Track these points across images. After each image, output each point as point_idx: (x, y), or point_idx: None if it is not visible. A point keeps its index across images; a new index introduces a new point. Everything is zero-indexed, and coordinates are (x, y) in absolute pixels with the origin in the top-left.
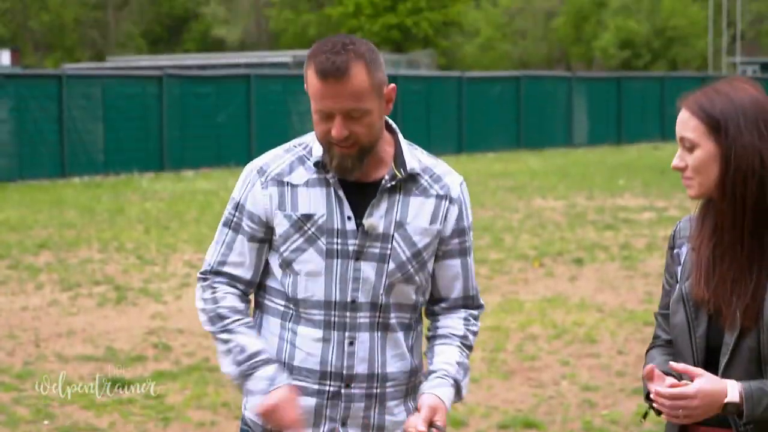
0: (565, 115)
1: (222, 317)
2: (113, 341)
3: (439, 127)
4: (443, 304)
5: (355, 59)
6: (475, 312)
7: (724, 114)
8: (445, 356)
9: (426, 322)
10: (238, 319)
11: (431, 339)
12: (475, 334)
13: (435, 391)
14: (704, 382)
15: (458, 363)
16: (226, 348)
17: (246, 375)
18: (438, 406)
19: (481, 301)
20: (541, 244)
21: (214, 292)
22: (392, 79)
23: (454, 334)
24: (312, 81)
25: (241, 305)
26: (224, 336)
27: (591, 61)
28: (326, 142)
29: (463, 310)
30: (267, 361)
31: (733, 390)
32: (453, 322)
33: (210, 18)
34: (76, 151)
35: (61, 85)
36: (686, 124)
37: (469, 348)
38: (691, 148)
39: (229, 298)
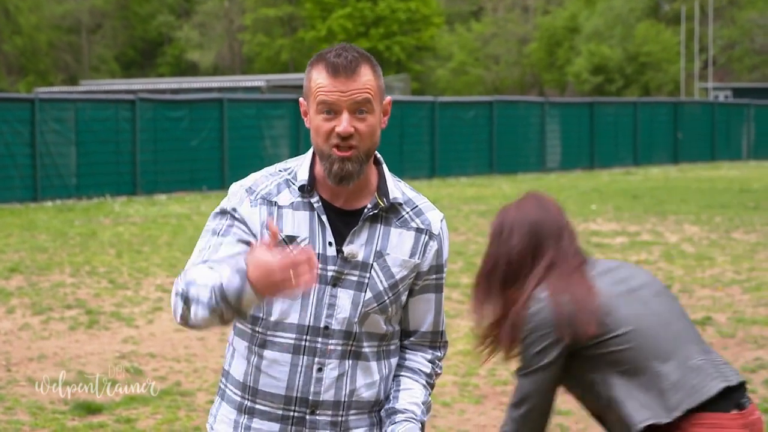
0: (538, 140)
1: (190, 282)
2: (84, 365)
3: (412, 152)
4: (413, 338)
5: (364, 60)
6: (440, 354)
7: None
8: (413, 395)
9: None
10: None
11: (397, 368)
12: (437, 376)
13: None
14: None
15: (424, 403)
16: (195, 300)
17: (220, 290)
18: None
19: (446, 338)
20: None
21: (186, 276)
22: None
23: (422, 371)
24: (320, 79)
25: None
26: (184, 291)
27: (564, 87)
28: (328, 146)
29: (430, 350)
30: (214, 268)
31: None
32: (421, 360)
33: (183, 42)
34: (48, 175)
35: (33, 109)
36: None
37: (432, 387)
38: None
39: (200, 268)
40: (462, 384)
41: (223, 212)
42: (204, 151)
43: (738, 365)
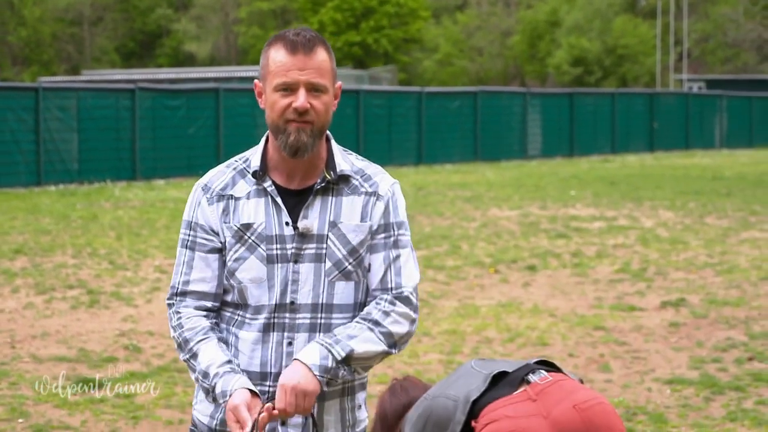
0: (520, 128)
1: (187, 341)
2: (86, 343)
3: (399, 140)
4: (369, 297)
5: (320, 41)
6: (395, 307)
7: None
8: (346, 328)
9: None
10: (201, 339)
11: None
12: (387, 314)
13: (298, 355)
14: None
15: (348, 334)
16: (195, 375)
17: (212, 394)
18: (284, 384)
19: (409, 297)
20: (497, 251)
21: (179, 318)
22: (355, 93)
23: (368, 318)
24: (278, 57)
25: (204, 322)
26: (192, 362)
27: (545, 78)
28: (283, 120)
29: (384, 302)
30: (217, 375)
31: None
32: (371, 308)
33: (181, 34)
34: (51, 161)
35: (37, 98)
36: None
37: (385, 336)
38: None
39: (192, 320)
40: (447, 362)
41: (187, 223)
42: (200, 139)
43: (710, 345)
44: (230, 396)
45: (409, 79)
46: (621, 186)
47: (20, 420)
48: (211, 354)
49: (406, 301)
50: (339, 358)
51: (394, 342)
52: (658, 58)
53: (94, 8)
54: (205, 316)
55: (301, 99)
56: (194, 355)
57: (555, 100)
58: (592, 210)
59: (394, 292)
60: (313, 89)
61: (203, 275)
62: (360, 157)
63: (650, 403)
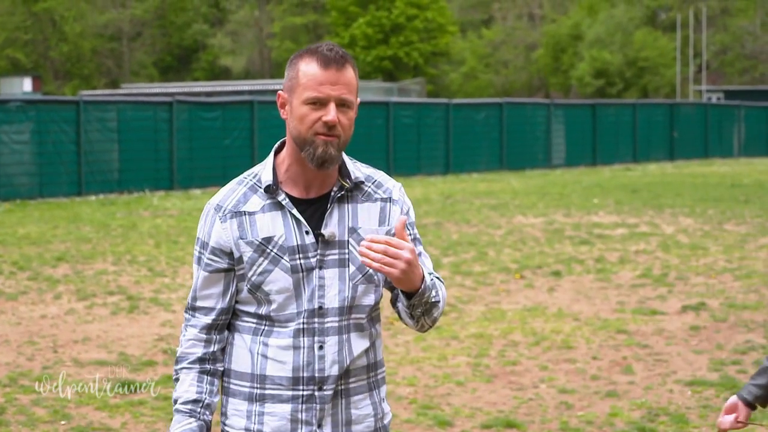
0: (544, 138)
1: (178, 360)
2: (125, 347)
3: (428, 150)
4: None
5: (349, 58)
6: (433, 276)
7: None
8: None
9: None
10: (185, 368)
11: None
12: (438, 278)
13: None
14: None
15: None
16: (175, 387)
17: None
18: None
19: (435, 273)
20: (522, 257)
21: (183, 336)
22: (385, 105)
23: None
24: (309, 71)
25: (198, 351)
26: (174, 378)
27: (568, 90)
28: (312, 133)
29: None
30: (176, 411)
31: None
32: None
33: (217, 49)
34: (92, 171)
35: (78, 111)
36: None
37: (439, 280)
38: None
39: (190, 343)
40: (474, 364)
41: (199, 240)
42: (236, 149)
43: (730, 347)
44: None
45: (437, 91)
46: (642, 194)
47: (63, 422)
48: (185, 386)
49: (441, 280)
50: (428, 283)
51: (441, 307)
52: (678, 70)
53: (132, 24)
54: (206, 341)
55: (332, 114)
56: (177, 379)
57: (578, 111)
58: (614, 217)
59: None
60: (343, 105)
61: (209, 292)
62: (364, 165)
63: (672, 404)
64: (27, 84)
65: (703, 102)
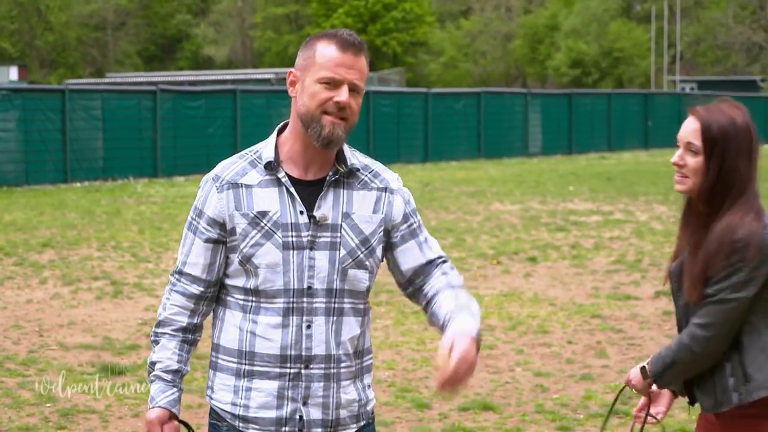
0: (521, 127)
1: (161, 324)
2: (110, 331)
3: (407, 139)
4: (418, 280)
5: (365, 47)
6: (442, 265)
7: (723, 135)
8: (450, 301)
9: (394, 305)
10: (168, 333)
11: (428, 304)
12: (456, 276)
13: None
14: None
15: (467, 300)
16: (152, 351)
17: (150, 381)
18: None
19: (443, 255)
20: (499, 244)
21: (168, 300)
22: (366, 94)
23: (450, 286)
24: (327, 52)
25: (183, 320)
26: (154, 340)
27: (545, 79)
28: (320, 111)
29: (435, 271)
30: (158, 377)
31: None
32: (436, 281)
33: (200, 38)
34: (77, 159)
35: (64, 99)
36: (695, 133)
37: (463, 288)
38: (695, 153)
39: (176, 310)
40: None
41: (195, 208)
42: (219, 138)
43: None
44: (153, 408)
45: (416, 81)
46: (617, 182)
47: (48, 405)
48: (167, 353)
49: (447, 258)
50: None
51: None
52: (653, 60)
53: (117, 14)
54: (192, 311)
55: (344, 95)
56: (156, 342)
57: (554, 100)
58: (589, 204)
59: (440, 260)
60: (354, 89)
61: (198, 261)
62: (362, 154)
63: None
64: (13, 73)
65: (677, 92)
